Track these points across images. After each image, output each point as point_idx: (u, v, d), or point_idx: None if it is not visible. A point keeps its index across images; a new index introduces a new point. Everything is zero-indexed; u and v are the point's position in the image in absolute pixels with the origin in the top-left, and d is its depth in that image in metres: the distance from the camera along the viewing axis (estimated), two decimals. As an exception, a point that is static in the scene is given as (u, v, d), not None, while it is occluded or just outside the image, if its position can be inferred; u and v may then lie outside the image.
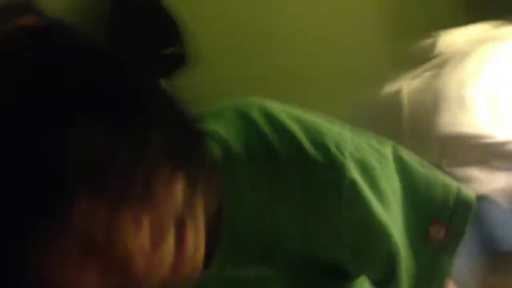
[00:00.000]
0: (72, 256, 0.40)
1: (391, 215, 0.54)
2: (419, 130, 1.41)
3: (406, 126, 1.44)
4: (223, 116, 0.55)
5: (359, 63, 2.19)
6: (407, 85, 1.51)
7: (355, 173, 0.51)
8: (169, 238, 0.43)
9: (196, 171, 0.45)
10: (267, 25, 2.01)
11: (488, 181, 1.31)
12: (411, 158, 0.58)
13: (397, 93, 1.49)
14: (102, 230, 0.40)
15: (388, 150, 0.57)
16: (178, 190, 0.44)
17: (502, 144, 1.32)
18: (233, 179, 0.51)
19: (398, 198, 0.56)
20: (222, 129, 0.53)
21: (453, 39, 1.60)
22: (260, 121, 0.52)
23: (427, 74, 1.52)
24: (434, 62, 1.56)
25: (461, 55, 1.50)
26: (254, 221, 0.53)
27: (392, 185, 0.56)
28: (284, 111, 0.53)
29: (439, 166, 1.35)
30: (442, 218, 0.57)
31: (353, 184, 0.51)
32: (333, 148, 0.51)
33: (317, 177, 0.51)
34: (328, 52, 2.05)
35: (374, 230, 0.53)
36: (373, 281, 0.59)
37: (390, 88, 1.53)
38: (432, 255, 0.58)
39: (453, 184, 0.59)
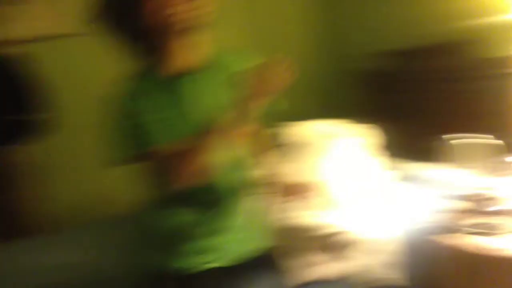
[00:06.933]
0: None
1: None
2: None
3: None
4: None
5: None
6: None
7: None
8: None
9: None
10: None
11: (326, 267, 1.41)
12: None
13: None
14: None
15: None
16: None
17: (325, 237, 1.41)
18: None
19: None
20: None
21: (297, 130, 1.73)
22: None
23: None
24: (279, 149, 1.60)
25: (303, 146, 1.64)
26: None
27: None
28: None
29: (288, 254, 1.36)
30: None
31: None
32: None
33: None
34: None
35: None
36: None
37: None
38: None
39: None
